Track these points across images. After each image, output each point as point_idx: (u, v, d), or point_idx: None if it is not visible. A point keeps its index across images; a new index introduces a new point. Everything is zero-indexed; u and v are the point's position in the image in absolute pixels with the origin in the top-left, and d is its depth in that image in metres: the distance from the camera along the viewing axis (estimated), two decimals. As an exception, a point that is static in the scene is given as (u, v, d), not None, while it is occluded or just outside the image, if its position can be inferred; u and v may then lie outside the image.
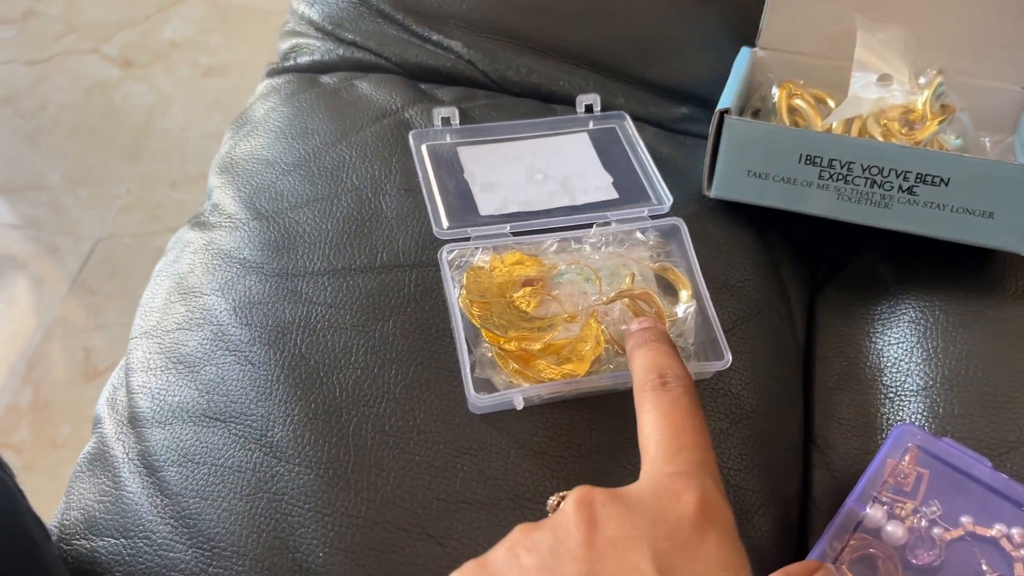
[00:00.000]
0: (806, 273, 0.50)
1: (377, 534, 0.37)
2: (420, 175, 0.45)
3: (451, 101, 0.51)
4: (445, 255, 0.41)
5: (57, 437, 1.03)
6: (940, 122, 0.45)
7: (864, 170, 0.43)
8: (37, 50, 1.47)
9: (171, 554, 0.37)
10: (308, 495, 0.38)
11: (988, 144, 0.48)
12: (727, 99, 0.45)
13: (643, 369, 0.32)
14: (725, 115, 0.44)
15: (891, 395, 0.43)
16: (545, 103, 0.53)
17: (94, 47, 1.48)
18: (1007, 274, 0.45)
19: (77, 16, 1.52)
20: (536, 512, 0.37)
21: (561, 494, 0.30)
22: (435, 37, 0.54)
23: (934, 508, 0.36)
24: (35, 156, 1.34)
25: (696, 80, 0.54)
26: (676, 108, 0.53)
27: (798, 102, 0.49)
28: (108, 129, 1.38)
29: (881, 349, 0.45)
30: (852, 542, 0.35)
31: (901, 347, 0.44)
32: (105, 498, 0.40)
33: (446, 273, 0.41)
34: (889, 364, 0.44)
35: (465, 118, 0.49)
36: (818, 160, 0.43)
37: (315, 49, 0.56)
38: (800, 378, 0.46)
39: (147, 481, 0.39)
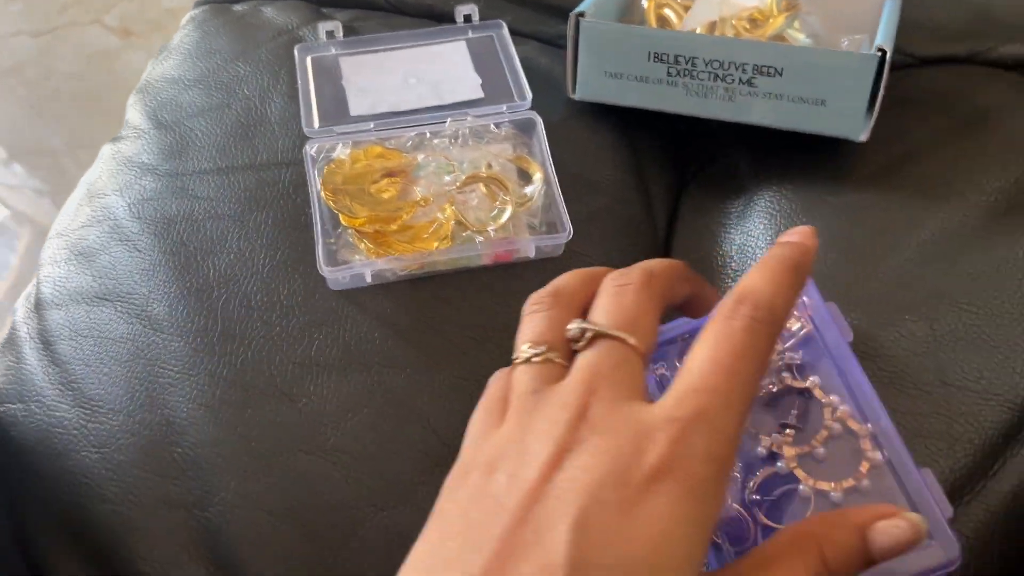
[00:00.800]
0: (673, 174, 0.53)
1: (235, 392, 0.41)
2: (300, 84, 0.49)
3: (345, 21, 0.55)
4: (308, 149, 0.45)
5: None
6: (786, 18, 0.48)
7: (707, 64, 0.45)
8: (43, 22, 1.54)
9: (57, 414, 0.42)
10: (178, 359, 0.42)
11: (845, 44, 0.50)
12: (587, 3, 0.48)
13: (735, 291, 0.28)
14: (580, 18, 0.47)
15: (736, 278, 0.46)
16: (438, 22, 0.56)
17: (96, 18, 1.54)
18: (853, 163, 0.48)
19: (80, -12, 1.58)
20: (382, 373, 0.41)
21: (579, 328, 0.28)
22: (336, -36, 0.57)
23: (796, 357, 0.36)
24: (39, 122, 1.40)
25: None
26: (559, 25, 0.56)
27: (667, 12, 0.52)
28: (108, 96, 1.44)
29: (733, 238, 0.48)
30: None
31: (750, 235, 0.47)
32: (8, 372, 0.44)
33: (309, 166, 0.45)
34: (738, 251, 0.47)
35: (354, 34, 0.53)
36: (665, 57, 0.46)
37: (231, -19, 0.60)
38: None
39: (42, 354, 0.44)
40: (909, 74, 0.53)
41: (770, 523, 0.32)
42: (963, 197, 0.46)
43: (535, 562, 0.23)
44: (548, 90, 0.51)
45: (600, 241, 0.46)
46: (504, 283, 0.44)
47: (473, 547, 0.24)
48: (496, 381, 0.30)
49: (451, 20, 0.56)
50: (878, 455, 0.33)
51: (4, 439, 0.41)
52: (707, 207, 0.50)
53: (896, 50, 0.53)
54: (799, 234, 0.30)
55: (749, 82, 0.45)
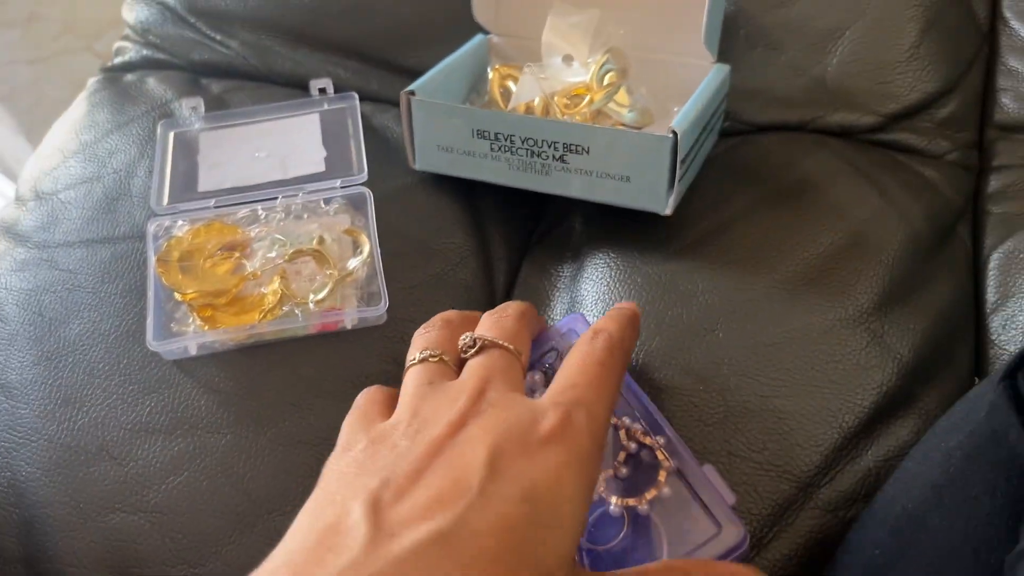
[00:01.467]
0: (520, 236, 0.56)
1: (68, 455, 0.45)
2: (157, 159, 0.53)
3: (220, 92, 0.59)
4: (150, 228, 0.49)
5: None
6: (605, 93, 0.50)
7: (523, 141, 0.48)
8: (37, 50, 1.61)
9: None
10: (23, 426, 0.46)
11: (675, 110, 0.53)
12: (420, 82, 0.51)
13: (592, 328, 0.35)
14: (411, 96, 0.50)
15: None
16: (305, 91, 0.59)
17: (87, 45, 1.60)
18: (672, 232, 0.50)
19: (72, 17, 1.65)
20: (205, 437, 0.45)
21: (471, 338, 0.34)
22: (219, 37, 0.61)
23: None
24: (29, 147, 1.47)
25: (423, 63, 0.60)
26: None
27: (510, 84, 0.55)
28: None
29: (564, 298, 0.51)
30: None
31: (577, 298, 0.50)
32: None
33: (149, 242, 0.49)
34: (566, 311, 0.50)
35: (223, 106, 0.56)
36: (487, 134, 0.49)
37: (128, 51, 0.64)
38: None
39: (-87, 415, 0.48)
40: (745, 140, 0.55)
41: (592, 546, 0.36)
42: (771, 268, 0.48)
43: (448, 476, 0.27)
44: (399, 160, 0.54)
45: (429, 306, 0.49)
46: (325, 351, 0.47)
47: (373, 473, 0.28)
48: (369, 393, 0.35)
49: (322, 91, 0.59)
50: (670, 463, 0.37)
51: None
52: (547, 268, 0.53)
53: (731, 117, 0.56)
54: (628, 307, 0.38)
55: (561, 159, 0.48)
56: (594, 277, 0.50)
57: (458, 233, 0.53)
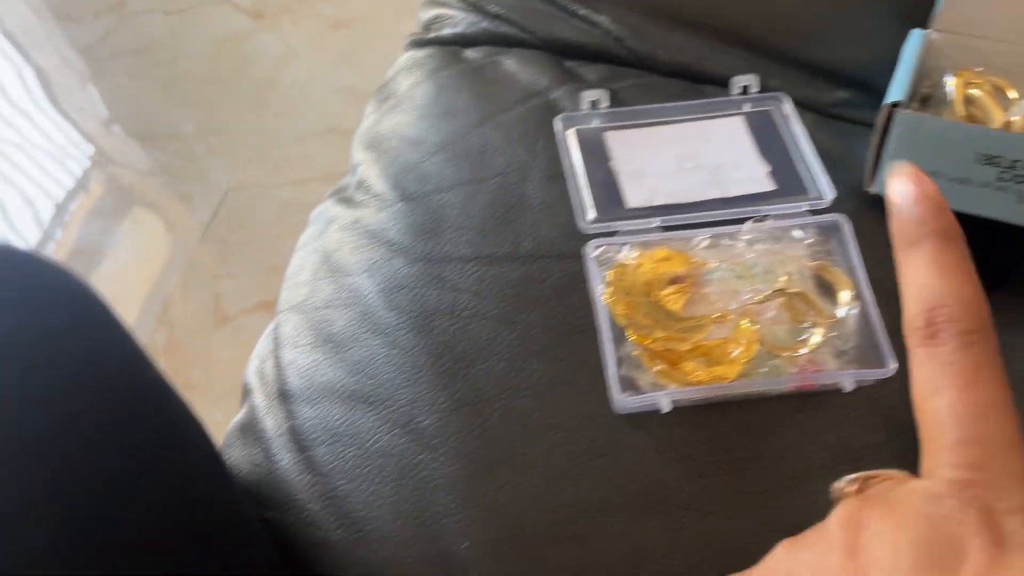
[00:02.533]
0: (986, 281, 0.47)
1: (518, 531, 0.37)
2: (566, 163, 0.44)
3: (597, 81, 0.50)
4: (591, 251, 0.40)
5: (190, 378, 1.08)
6: None
7: (1051, 172, 0.39)
8: (175, 0, 1.52)
9: (320, 532, 0.39)
10: (452, 486, 0.38)
11: None
12: (897, 90, 0.42)
13: (910, 301, 0.24)
14: (895, 109, 0.41)
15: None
16: (695, 83, 0.50)
17: (227, -4, 1.51)
18: None
19: (213, -35, 1.56)
20: (680, 517, 0.37)
21: (854, 477, 0.26)
22: (582, 12, 0.52)
23: None
24: (169, 105, 1.39)
25: (858, 63, 0.51)
26: (834, 92, 0.50)
27: (974, 92, 0.45)
28: (238, 80, 1.42)
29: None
30: None
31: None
32: (258, 469, 0.41)
33: (592, 270, 0.40)
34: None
35: (613, 100, 0.47)
36: (997, 161, 0.40)
37: (458, 21, 0.55)
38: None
39: (298, 457, 0.41)
40: None
41: None
42: None
43: None
44: (831, 177, 0.45)
45: (904, 360, 0.41)
46: (811, 416, 0.39)
47: None
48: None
49: (708, 82, 0.51)
50: None
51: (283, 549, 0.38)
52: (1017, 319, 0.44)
53: None
54: (907, 178, 0.25)
55: (1104, 196, 0.39)
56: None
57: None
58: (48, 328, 0.32)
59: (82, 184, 1.29)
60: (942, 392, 0.22)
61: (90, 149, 1.34)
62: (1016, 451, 0.21)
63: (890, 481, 0.26)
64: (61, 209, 1.26)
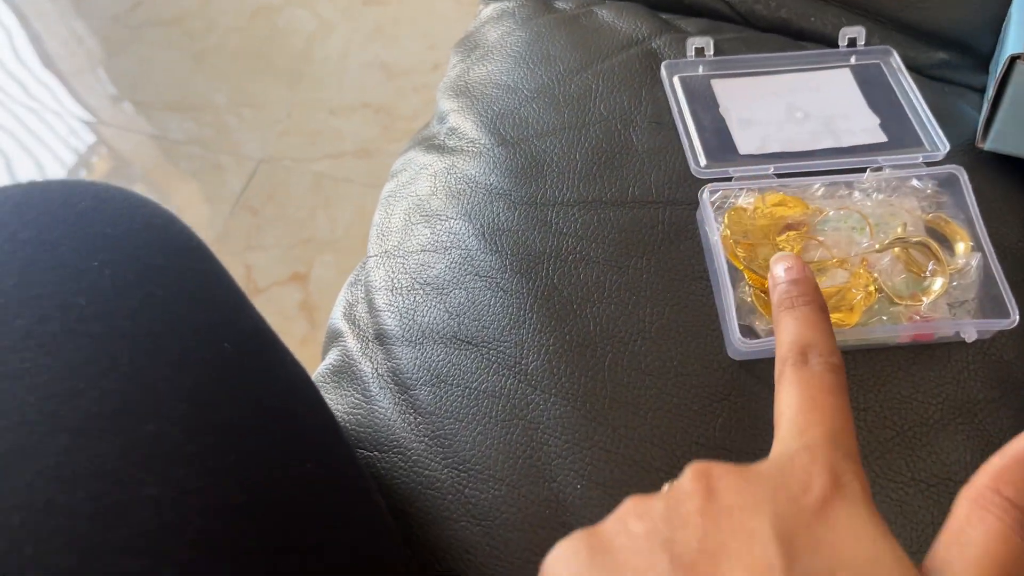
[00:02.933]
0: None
1: (635, 472, 0.36)
2: (674, 109, 0.43)
3: (696, 32, 0.49)
4: (707, 195, 0.40)
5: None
6: None
7: None
8: (208, -30, 1.50)
9: (426, 472, 0.38)
10: (564, 427, 0.37)
11: None
12: (1019, 41, 0.41)
13: (787, 342, 0.30)
14: (1018, 60, 0.40)
15: None
16: (794, 40, 0.50)
17: (264, -33, 1.50)
18: None
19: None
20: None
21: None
22: (678, -36, 0.51)
23: None
24: (201, 76, 1.38)
25: (958, 23, 0.50)
26: (934, 53, 0.50)
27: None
28: (270, 53, 1.41)
29: None
30: None
31: None
32: (356, 411, 0.40)
33: (708, 213, 0.39)
34: None
35: (716, 51, 0.47)
36: None
37: (547, -27, 0.54)
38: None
39: (399, 398, 0.40)
40: None
41: None
42: None
43: None
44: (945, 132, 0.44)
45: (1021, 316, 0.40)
46: (923, 369, 0.38)
47: None
48: None
49: (808, 39, 0.50)
50: None
51: (386, 494, 0.37)
52: None
53: None
54: (784, 262, 0.33)
55: None
56: None
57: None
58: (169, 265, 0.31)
59: (114, 152, 1.28)
60: (801, 392, 0.28)
61: (121, 117, 1.33)
62: (852, 436, 0.26)
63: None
64: (91, 177, 1.24)
